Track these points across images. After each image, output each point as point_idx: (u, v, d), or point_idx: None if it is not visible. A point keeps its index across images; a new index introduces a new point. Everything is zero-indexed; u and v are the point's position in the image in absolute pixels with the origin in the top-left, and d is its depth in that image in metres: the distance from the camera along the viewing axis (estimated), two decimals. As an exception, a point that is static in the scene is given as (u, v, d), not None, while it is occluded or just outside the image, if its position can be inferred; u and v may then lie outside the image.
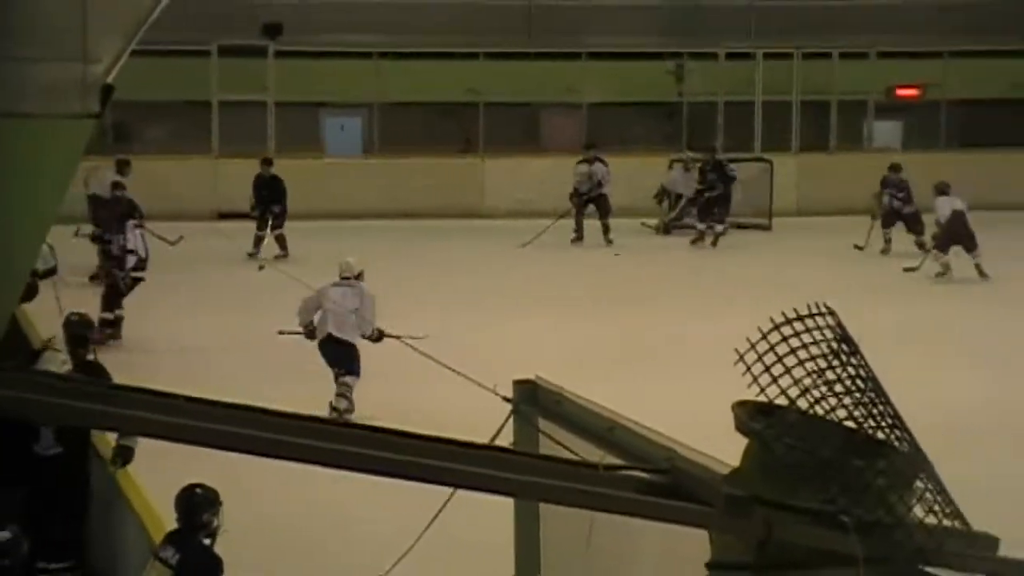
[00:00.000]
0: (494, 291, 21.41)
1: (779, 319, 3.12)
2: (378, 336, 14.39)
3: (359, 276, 14.84)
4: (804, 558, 3.05)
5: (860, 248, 24.92)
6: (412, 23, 31.00)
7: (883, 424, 3.09)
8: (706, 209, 27.06)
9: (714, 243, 26.63)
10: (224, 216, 27.73)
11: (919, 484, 3.08)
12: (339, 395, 14.22)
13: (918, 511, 3.06)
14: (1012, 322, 19.13)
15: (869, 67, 33.08)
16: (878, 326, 15.34)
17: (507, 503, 5.21)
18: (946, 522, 3.07)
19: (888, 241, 24.99)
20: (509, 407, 5.10)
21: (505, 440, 4.72)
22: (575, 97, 32.62)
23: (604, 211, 26.66)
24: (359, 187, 29.34)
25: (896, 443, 3.08)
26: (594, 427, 4.27)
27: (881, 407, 3.12)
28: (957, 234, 22.63)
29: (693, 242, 26.75)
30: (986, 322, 19.52)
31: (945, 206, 22.83)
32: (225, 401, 3.63)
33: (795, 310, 3.14)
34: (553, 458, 3.80)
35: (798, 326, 3.12)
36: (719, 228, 26.81)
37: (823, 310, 3.11)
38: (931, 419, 8.97)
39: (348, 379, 14.27)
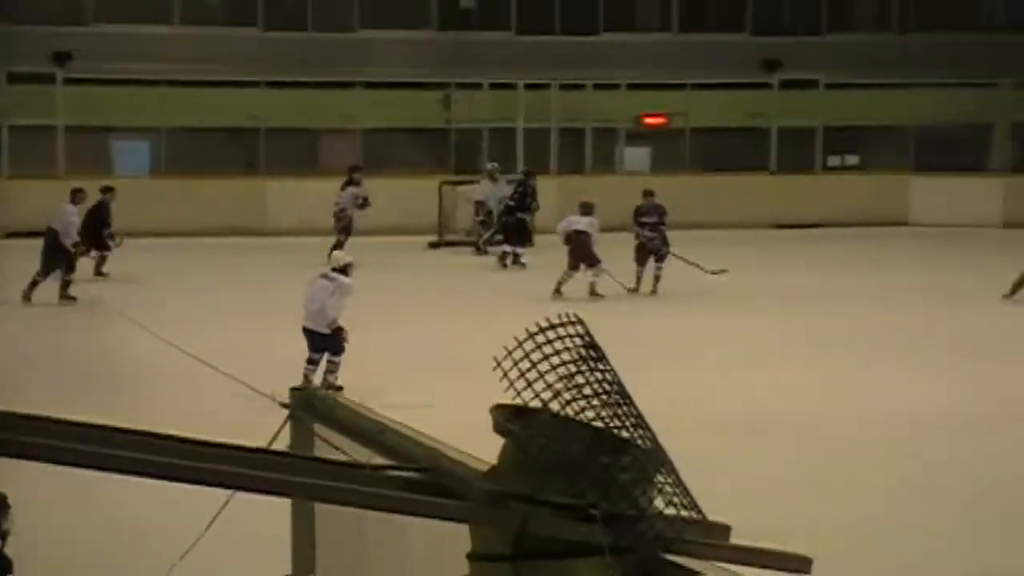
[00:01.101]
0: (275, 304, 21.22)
1: (538, 326, 3.15)
2: (335, 329, 15.11)
3: (343, 270, 15.63)
4: (556, 548, 3.07)
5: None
6: (197, 53, 30.70)
7: (627, 424, 3.13)
8: (518, 231, 26.97)
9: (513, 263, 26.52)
10: (12, 235, 26.96)
11: (660, 479, 3.12)
12: (328, 372, 15.17)
13: (659, 503, 3.10)
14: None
15: (620, 98, 33.64)
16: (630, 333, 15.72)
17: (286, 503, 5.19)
18: (684, 513, 3.12)
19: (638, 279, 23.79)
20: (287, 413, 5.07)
21: (282, 444, 4.68)
22: (351, 123, 32.60)
23: (339, 231, 26.31)
24: (147, 207, 28.87)
25: (639, 441, 3.12)
26: (366, 430, 4.24)
27: (625, 408, 3.15)
28: (575, 253, 22.49)
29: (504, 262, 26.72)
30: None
31: (571, 225, 22.71)
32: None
33: (547, 319, 3.16)
34: (325, 460, 3.76)
35: (550, 334, 3.14)
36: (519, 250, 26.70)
37: (572, 319, 3.14)
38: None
39: (334, 359, 15.19)
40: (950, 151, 34.23)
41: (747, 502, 9.33)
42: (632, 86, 33.56)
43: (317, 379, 14.89)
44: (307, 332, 15.26)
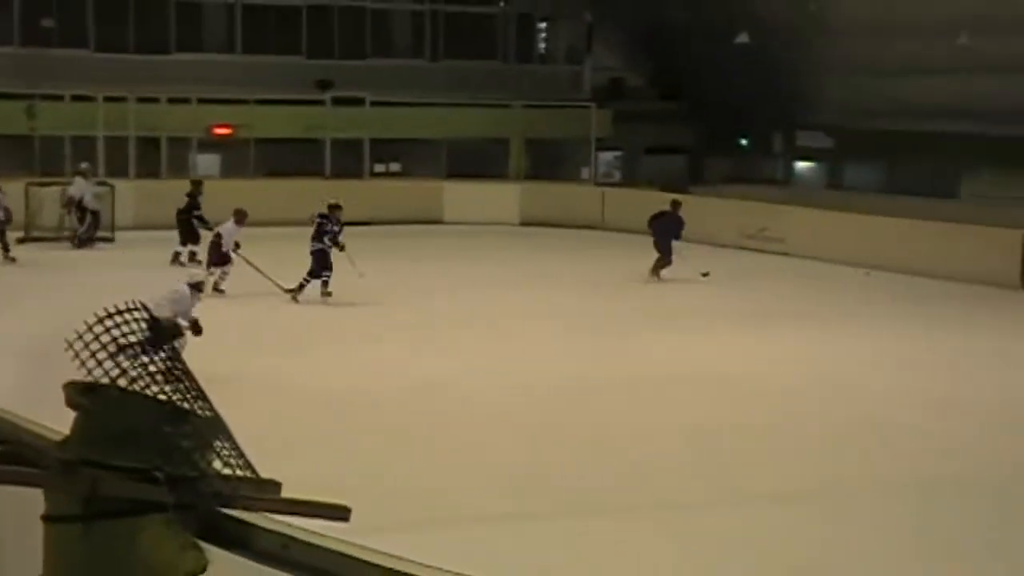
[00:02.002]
0: None
1: (107, 311, 3.08)
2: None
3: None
4: (126, 508, 3.02)
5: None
6: None
7: (188, 397, 3.11)
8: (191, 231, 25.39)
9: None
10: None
11: (218, 444, 3.12)
12: None
13: (217, 465, 3.09)
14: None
15: (192, 111, 33.07)
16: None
17: None
18: (239, 473, 3.12)
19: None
20: None
21: None
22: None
23: None
24: None
25: (199, 412, 3.11)
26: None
27: (186, 383, 3.13)
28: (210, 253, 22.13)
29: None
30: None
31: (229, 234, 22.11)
32: None
33: (115, 305, 3.10)
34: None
35: (118, 319, 3.08)
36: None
37: (135, 306, 3.09)
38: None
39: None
40: (476, 161, 35.37)
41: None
42: (202, 100, 33.06)
43: None
44: None
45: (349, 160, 34.52)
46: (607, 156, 37.82)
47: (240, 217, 22.29)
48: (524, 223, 33.00)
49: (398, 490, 11.30)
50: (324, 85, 34.14)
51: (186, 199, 25.62)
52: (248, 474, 3.20)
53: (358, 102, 34.39)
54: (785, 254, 28.17)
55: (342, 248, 21.56)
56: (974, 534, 10.96)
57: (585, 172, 36.30)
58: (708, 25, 33.71)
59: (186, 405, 3.15)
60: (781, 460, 13.05)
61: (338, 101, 34.35)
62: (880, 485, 12.33)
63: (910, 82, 31.47)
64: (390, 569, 2.75)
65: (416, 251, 28.07)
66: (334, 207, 22.11)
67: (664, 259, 24.48)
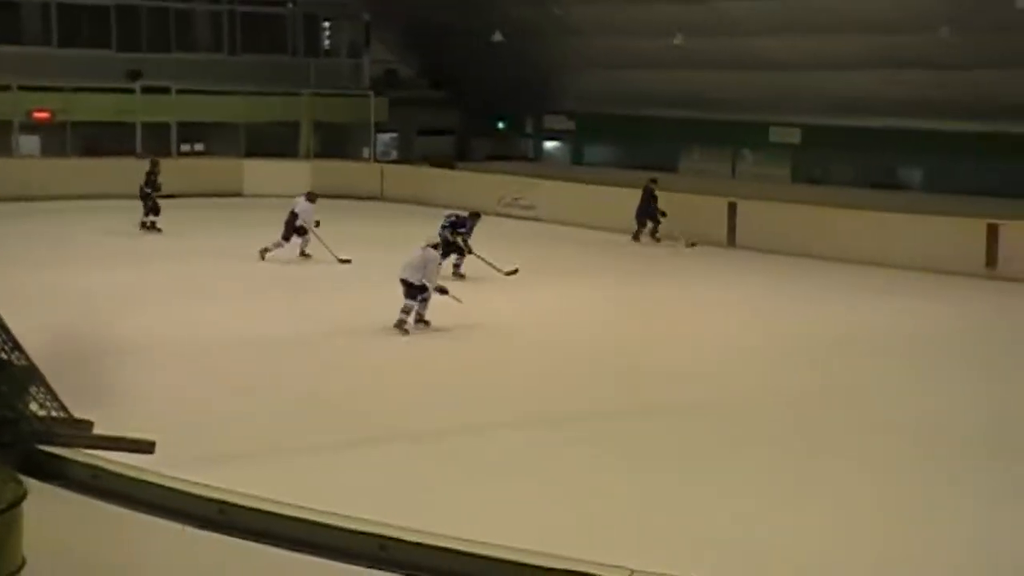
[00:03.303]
0: None
1: None
2: None
3: None
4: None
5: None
6: None
7: (5, 348, 3.01)
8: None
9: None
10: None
11: (33, 389, 3.03)
12: None
13: (34, 407, 3.01)
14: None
15: (14, 97, 31.56)
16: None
17: None
18: (54, 414, 3.04)
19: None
20: None
21: None
22: None
23: None
24: None
25: (15, 361, 3.01)
26: None
27: (4, 335, 3.03)
28: None
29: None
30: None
31: None
32: None
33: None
34: None
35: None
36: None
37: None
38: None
39: None
40: (271, 142, 34.83)
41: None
42: (22, 87, 31.56)
43: None
44: None
45: (159, 141, 33.41)
46: (385, 137, 37.70)
47: (312, 197, 22.44)
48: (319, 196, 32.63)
49: (197, 424, 11.12)
50: (134, 75, 33.01)
51: (144, 176, 24.98)
52: (63, 415, 3.13)
53: (165, 91, 33.36)
54: (536, 219, 28.60)
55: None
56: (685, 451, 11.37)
57: (366, 151, 36.21)
58: (469, 25, 33.81)
59: (3, 355, 3.07)
60: (526, 389, 13.29)
61: (147, 90, 33.24)
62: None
63: (637, 75, 32.26)
64: (188, 494, 2.73)
65: (217, 219, 27.54)
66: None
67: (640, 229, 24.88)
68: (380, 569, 2.47)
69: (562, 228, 27.22)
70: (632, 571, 2.50)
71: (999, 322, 17.95)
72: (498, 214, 27.85)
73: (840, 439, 11.58)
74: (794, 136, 30.36)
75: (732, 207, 25.18)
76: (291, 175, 33.40)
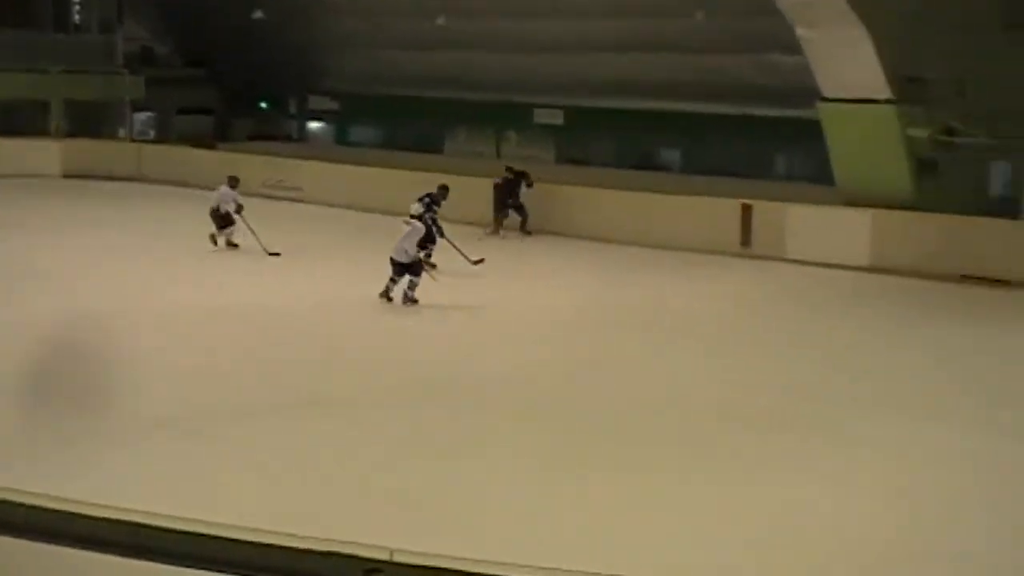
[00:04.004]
0: None
1: None
2: None
3: None
4: None
5: None
6: None
7: None
8: None
9: None
10: None
11: None
12: None
13: None
14: None
15: None
16: None
17: None
18: None
19: None
20: None
21: None
22: None
23: None
24: None
25: None
26: None
27: None
28: None
29: None
30: None
31: None
32: None
33: None
34: None
35: None
36: None
37: None
38: None
39: None
40: (17, 121, 33.05)
41: None
42: None
43: None
44: None
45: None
46: (142, 116, 36.27)
47: (233, 182, 21.17)
48: (67, 175, 31.29)
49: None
50: None
51: None
52: None
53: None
54: (301, 201, 28.04)
55: None
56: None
57: (122, 131, 34.78)
58: (228, 2, 32.78)
59: None
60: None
61: None
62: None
63: (401, 55, 31.95)
64: None
65: (118, 198, 27.01)
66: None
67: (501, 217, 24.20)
68: None
69: (327, 209, 26.79)
70: (392, 550, 2.76)
71: (753, 296, 18.54)
72: (262, 196, 27.11)
73: (593, 412, 11.69)
74: (557, 117, 30.69)
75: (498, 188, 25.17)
76: (38, 154, 32.04)
